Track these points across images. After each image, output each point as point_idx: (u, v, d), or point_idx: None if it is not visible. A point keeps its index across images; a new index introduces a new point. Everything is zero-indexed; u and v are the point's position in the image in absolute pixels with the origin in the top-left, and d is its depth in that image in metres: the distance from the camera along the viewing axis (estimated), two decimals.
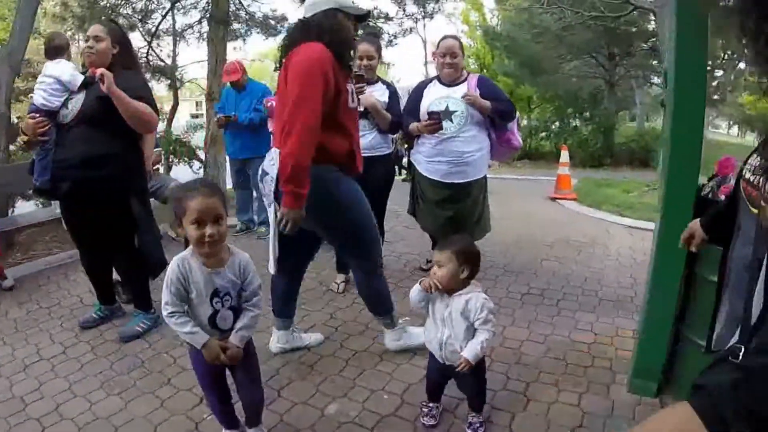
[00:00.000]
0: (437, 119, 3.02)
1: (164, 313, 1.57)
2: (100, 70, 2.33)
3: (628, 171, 12.00)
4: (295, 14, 8.75)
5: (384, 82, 3.40)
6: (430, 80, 3.38)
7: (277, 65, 2.19)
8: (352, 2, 2.19)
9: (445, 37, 3.28)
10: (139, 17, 7.70)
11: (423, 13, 8.72)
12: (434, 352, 1.86)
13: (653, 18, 10.25)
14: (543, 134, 15.88)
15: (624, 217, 5.52)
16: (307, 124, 1.92)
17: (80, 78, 2.54)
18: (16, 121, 5.70)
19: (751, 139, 32.07)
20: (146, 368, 2.41)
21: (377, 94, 3.21)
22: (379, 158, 3.25)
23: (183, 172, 5.44)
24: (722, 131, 38.35)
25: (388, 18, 8.44)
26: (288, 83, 1.98)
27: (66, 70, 2.53)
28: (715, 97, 13.58)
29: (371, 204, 3.20)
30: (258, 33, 8.77)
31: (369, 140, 3.17)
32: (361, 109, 3.06)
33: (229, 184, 6.41)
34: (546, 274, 3.71)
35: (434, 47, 3.40)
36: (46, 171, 2.51)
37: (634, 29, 12.11)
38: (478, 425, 1.86)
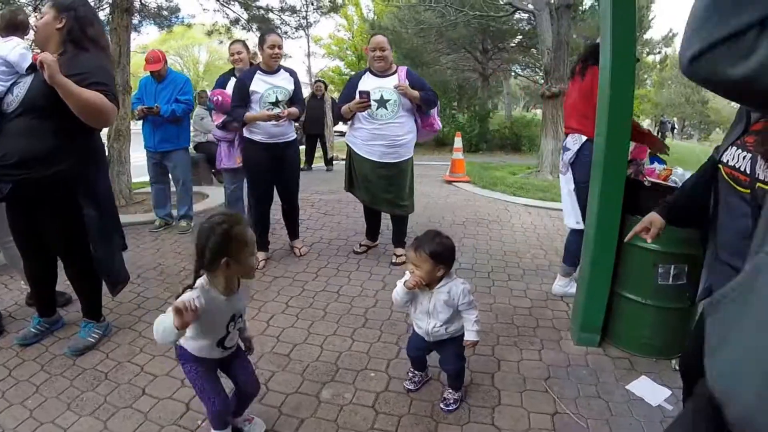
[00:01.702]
0: (367, 97, 3.29)
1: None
2: (41, 56, 1.92)
3: (502, 155, 13.17)
4: (188, 6, 8.04)
5: (286, 70, 3.56)
6: (363, 72, 3.55)
7: (578, 70, 2.91)
8: None
9: (375, 34, 3.62)
10: (33, 5, 6.44)
11: (331, 5, 8.56)
12: (425, 336, 1.92)
13: (528, 18, 11.29)
14: None
15: (518, 197, 6.11)
16: None
17: (30, 58, 2.12)
18: None
19: None
20: (112, 381, 2.14)
21: (285, 83, 3.45)
22: (291, 142, 3.59)
23: None
24: None
25: (294, 11, 8.18)
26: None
27: (15, 49, 2.11)
28: None
29: (289, 181, 3.67)
30: (151, 24, 7.96)
31: (282, 126, 3.45)
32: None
33: (134, 179, 5.82)
34: (469, 251, 4.00)
35: (367, 44, 3.66)
36: None
37: (505, 27, 13.27)
38: (452, 401, 1.96)
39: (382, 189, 3.55)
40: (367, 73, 3.48)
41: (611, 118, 2.17)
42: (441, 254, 1.81)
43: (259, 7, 7.96)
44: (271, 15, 8.12)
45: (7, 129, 2.09)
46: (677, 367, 2.23)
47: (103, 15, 6.66)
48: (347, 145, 3.66)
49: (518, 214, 5.32)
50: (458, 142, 7.73)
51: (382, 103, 3.33)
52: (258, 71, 3.39)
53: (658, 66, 25.27)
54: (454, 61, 15.71)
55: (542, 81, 14.53)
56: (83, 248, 2.28)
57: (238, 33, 8.17)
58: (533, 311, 2.88)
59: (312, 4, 8.62)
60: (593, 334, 2.40)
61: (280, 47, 3.40)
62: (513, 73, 17.59)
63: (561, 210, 5.54)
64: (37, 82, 2.07)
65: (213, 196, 5.76)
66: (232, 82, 3.98)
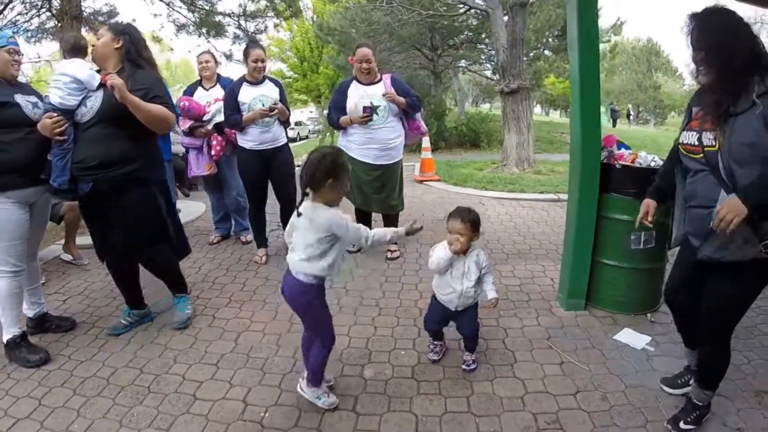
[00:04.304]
0: (369, 112, 3.77)
1: None
2: (110, 82, 2.37)
3: (462, 152, 13.83)
4: (131, 11, 8.09)
5: (271, 80, 4.00)
6: (350, 81, 3.96)
7: None
8: None
9: (360, 45, 3.92)
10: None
11: (290, 11, 8.89)
12: (450, 304, 2.39)
13: (476, 13, 11.87)
14: None
15: (488, 191, 6.73)
16: None
17: (98, 77, 2.55)
18: None
19: (555, 116, 38.32)
20: (158, 393, 2.32)
21: (267, 91, 3.86)
22: (281, 147, 3.98)
23: None
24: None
25: (255, 16, 8.43)
26: None
27: (83, 68, 2.55)
28: (533, 82, 16.18)
29: (282, 183, 4.06)
30: (87, 31, 7.96)
31: (272, 132, 3.87)
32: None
33: None
34: None
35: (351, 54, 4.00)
36: (65, 171, 2.53)
37: (456, 24, 13.99)
38: (471, 362, 2.46)
39: (374, 190, 4.00)
40: (354, 81, 3.89)
41: (583, 107, 2.73)
42: (477, 222, 2.35)
43: (217, 12, 8.12)
44: (227, 19, 8.29)
45: (82, 137, 2.55)
46: (653, 319, 2.82)
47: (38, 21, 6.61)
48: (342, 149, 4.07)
49: (492, 206, 5.90)
50: (426, 141, 8.25)
51: (373, 109, 3.79)
52: (244, 82, 3.82)
53: (609, 54, 27.04)
54: (405, 60, 16.35)
55: (494, 76, 15.19)
56: (164, 232, 2.80)
57: (186, 38, 8.29)
58: (523, 287, 3.42)
59: (272, 9, 8.89)
60: (579, 299, 2.96)
61: (263, 60, 3.84)
62: (462, 69, 18.45)
63: (531, 200, 6.23)
64: (107, 97, 2.51)
65: (186, 211, 5.87)
66: (200, 91, 4.35)
